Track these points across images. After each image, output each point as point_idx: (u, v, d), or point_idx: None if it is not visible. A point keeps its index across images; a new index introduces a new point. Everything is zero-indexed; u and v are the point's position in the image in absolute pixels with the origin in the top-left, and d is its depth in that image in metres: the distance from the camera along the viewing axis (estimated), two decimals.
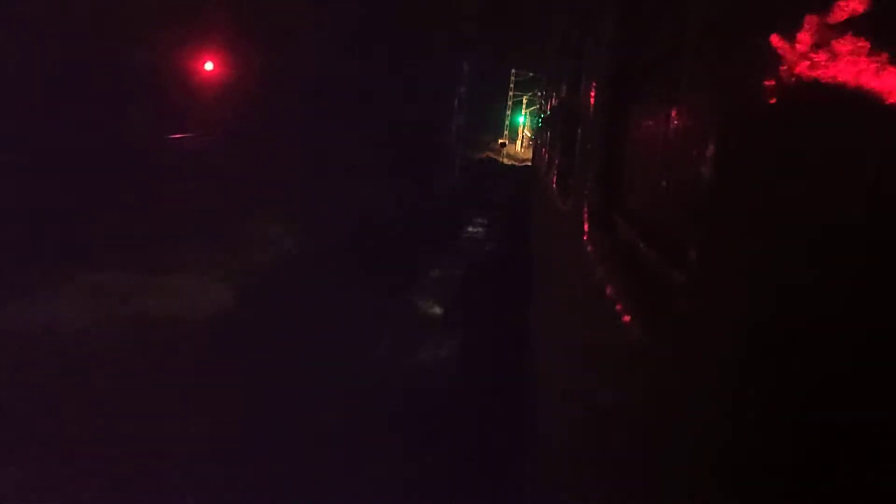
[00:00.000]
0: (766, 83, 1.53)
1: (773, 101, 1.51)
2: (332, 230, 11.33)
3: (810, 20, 1.36)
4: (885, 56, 1.18)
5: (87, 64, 10.31)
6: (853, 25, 1.26)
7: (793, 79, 1.42)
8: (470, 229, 16.10)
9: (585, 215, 3.99)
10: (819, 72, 1.33)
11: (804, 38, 1.33)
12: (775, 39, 1.41)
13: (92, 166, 9.46)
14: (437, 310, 7.96)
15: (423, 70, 21.99)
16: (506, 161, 39.29)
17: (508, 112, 50.19)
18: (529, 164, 34.50)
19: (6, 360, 5.03)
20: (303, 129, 16.30)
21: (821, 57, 1.33)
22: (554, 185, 8.31)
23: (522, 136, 49.50)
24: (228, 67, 14.69)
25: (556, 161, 8.58)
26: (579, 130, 5.95)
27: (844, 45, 1.25)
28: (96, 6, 10.76)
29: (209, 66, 14.52)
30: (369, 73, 18.91)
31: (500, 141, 45.80)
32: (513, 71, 47.96)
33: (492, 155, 39.66)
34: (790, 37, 1.37)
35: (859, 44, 1.24)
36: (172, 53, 13.11)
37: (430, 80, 22.99)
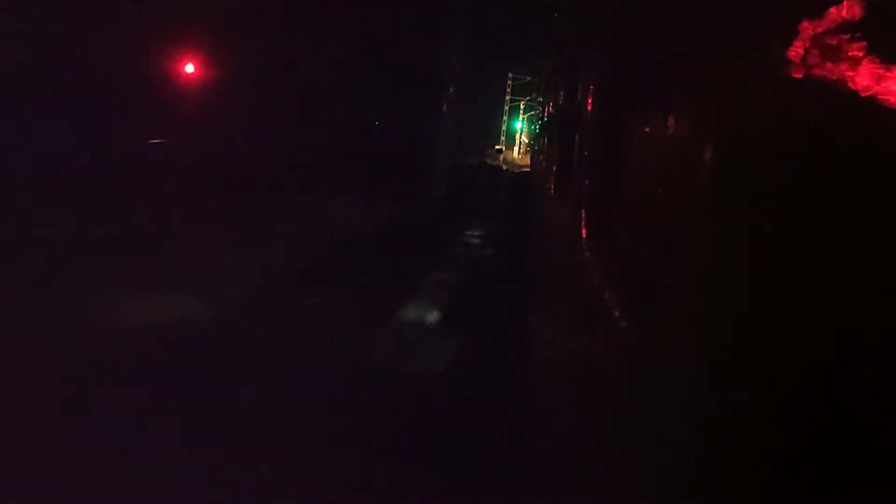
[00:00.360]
0: (764, 88, 1.54)
1: (770, 106, 1.52)
2: (312, 247, 10.66)
3: (807, 26, 1.38)
4: (882, 59, 1.19)
5: (59, 63, 9.97)
6: (851, 30, 1.27)
7: (791, 84, 1.43)
8: (462, 244, 14.65)
9: (583, 221, 4.01)
10: (816, 77, 1.35)
11: (801, 43, 1.35)
12: (772, 45, 1.43)
13: (59, 171, 9.08)
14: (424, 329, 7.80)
15: (408, 68, 20.28)
16: (503, 167, 39.05)
17: (505, 117, 50.02)
18: (528, 170, 34.43)
19: None
20: (282, 135, 15.52)
21: (818, 61, 1.35)
22: (552, 191, 8.33)
23: (520, 142, 49.38)
24: (211, 69, 14.11)
25: (555, 167, 8.59)
26: (577, 136, 5.97)
27: (842, 49, 1.26)
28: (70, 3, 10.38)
29: (190, 68, 13.98)
30: (349, 71, 17.71)
31: (497, 147, 45.57)
32: (510, 74, 47.67)
33: (488, 161, 39.44)
34: (787, 42, 1.39)
35: (858, 48, 1.25)
36: (151, 54, 12.60)
37: (415, 79, 20.99)
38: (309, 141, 16.17)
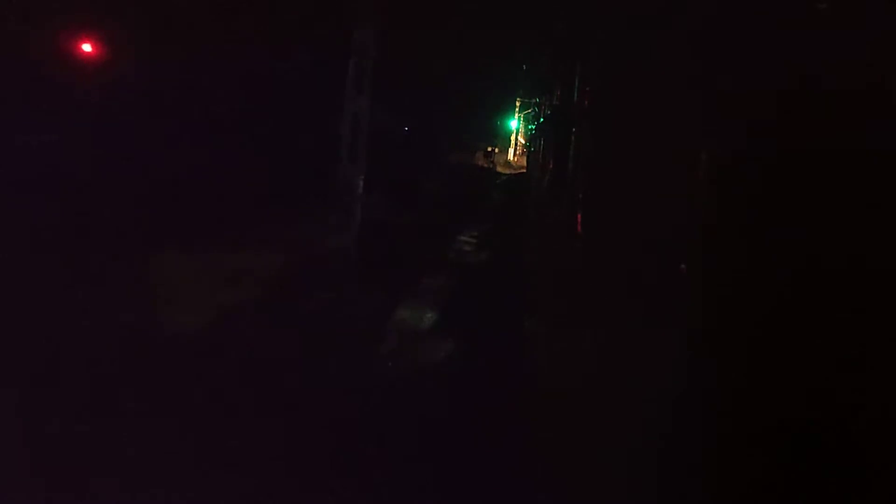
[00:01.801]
0: (761, 91, 1.60)
1: (767, 108, 1.58)
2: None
3: (805, 24, 1.44)
4: (881, 64, 1.25)
5: None
6: (852, 31, 1.33)
7: (788, 86, 1.49)
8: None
9: (579, 223, 4.06)
10: (813, 78, 1.40)
11: (795, 44, 1.41)
12: (768, 47, 1.49)
13: None
14: None
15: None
16: (496, 170, 37.59)
17: (499, 115, 49.05)
18: (523, 171, 34.13)
19: None
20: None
21: (814, 62, 1.41)
22: (548, 193, 8.37)
23: (516, 143, 48.80)
24: (112, 48, 11.62)
25: (551, 168, 8.63)
26: (573, 138, 6.02)
27: (833, 51, 1.32)
28: None
29: (88, 47, 12.16)
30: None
31: (489, 148, 44.53)
32: (503, 66, 46.02)
33: (478, 163, 38.26)
34: (783, 44, 1.45)
35: (849, 50, 1.31)
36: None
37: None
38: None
